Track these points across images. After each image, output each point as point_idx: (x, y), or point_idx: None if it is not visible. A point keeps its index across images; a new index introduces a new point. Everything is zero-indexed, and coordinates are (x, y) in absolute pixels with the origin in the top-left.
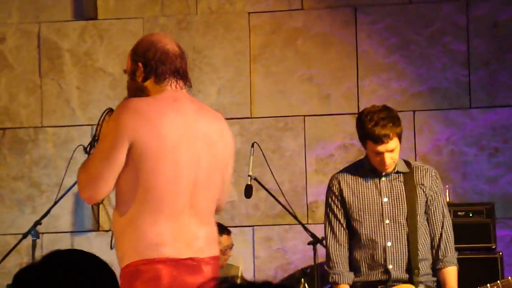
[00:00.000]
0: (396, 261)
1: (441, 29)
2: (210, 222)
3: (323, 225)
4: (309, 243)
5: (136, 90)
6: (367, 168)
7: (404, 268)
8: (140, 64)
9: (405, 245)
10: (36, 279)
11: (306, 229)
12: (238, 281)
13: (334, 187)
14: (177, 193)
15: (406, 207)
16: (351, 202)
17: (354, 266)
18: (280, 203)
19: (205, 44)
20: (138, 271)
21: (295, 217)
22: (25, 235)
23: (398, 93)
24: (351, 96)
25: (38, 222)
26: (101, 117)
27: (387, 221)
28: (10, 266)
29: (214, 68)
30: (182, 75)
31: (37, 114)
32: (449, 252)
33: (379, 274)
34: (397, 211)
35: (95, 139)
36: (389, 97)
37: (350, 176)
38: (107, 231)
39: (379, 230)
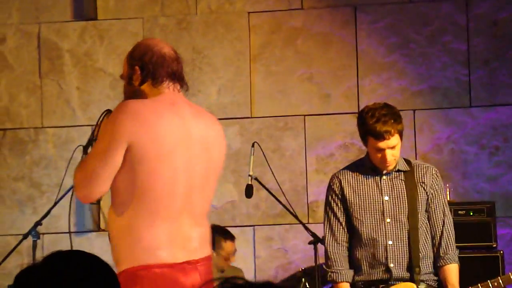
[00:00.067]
0: (397, 259)
1: (441, 28)
2: (203, 223)
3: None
4: (309, 243)
5: (133, 94)
6: (368, 167)
7: (405, 267)
8: (137, 68)
9: (406, 243)
10: (37, 280)
11: (306, 228)
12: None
13: (335, 185)
14: (174, 195)
15: (407, 206)
16: (352, 201)
17: (355, 265)
18: (280, 202)
19: (205, 44)
20: (136, 276)
21: (296, 217)
22: (25, 236)
23: (398, 92)
24: (351, 95)
25: (38, 223)
26: (99, 118)
27: (388, 220)
28: (11, 267)
29: (214, 68)
30: (178, 78)
31: (37, 114)
32: (450, 249)
33: (380, 273)
34: (398, 209)
35: (93, 140)
36: (389, 96)
37: (351, 175)
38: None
39: (380, 228)
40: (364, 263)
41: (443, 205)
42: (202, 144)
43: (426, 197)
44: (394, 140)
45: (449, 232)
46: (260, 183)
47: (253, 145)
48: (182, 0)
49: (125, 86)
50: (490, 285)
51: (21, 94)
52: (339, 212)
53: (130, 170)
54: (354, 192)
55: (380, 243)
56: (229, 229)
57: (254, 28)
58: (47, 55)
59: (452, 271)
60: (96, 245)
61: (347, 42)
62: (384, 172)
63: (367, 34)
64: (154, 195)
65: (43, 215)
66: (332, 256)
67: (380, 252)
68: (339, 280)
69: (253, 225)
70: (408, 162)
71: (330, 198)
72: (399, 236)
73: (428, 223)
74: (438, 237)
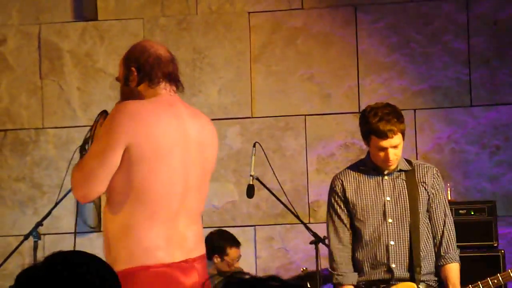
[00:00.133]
0: (399, 259)
1: (441, 28)
2: (197, 222)
3: (325, 224)
4: (311, 243)
5: (130, 95)
6: (369, 167)
7: (407, 267)
8: (133, 69)
9: (407, 243)
10: (38, 280)
11: (308, 228)
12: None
13: (337, 187)
14: (172, 196)
15: (408, 206)
16: (354, 202)
17: (356, 266)
18: (281, 202)
19: (205, 44)
20: (135, 276)
21: (297, 217)
22: (26, 237)
23: (399, 92)
24: (352, 95)
25: (39, 223)
26: (95, 119)
27: (390, 220)
28: (12, 267)
29: (215, 68)
30: (174, 79)
31: (38, 115)
32: (451, 249)
33: (382, 273)
34: (400, 209)
35: (89, 141)
36: (390, 96)
37: (352, 175)
38: None
39: (382, 229)
40: (366, 264)
41: (444, 205)
42: (198, 145)
43: (427, 197)
44: (397, 139)
45: (450, 231)
46: (261, 183)
47: (254, 145)
48: (182, 0)
49: (121, 87)
50: (490, 282)
51: (22, 95)
52: (343, 214)
53: (128, 171)
54: (356, 193)
55: (381, 243)
56: (230, 229)
57: (254, 28)
58: (48, 56)
59: (453, 270)
60: (97, 245)
61: (347, 42)
62: (386, 172)
63: (367, 34)
64: (152, 195)
65: (44, 215)
66: (338, 258)
67: (382, 252)
68: (345, 283)
69: (254, 225)
70: (409, 162)
71: (333, 200)
72: (401, 236)
73: (429, 223)
74: (439, 237)
